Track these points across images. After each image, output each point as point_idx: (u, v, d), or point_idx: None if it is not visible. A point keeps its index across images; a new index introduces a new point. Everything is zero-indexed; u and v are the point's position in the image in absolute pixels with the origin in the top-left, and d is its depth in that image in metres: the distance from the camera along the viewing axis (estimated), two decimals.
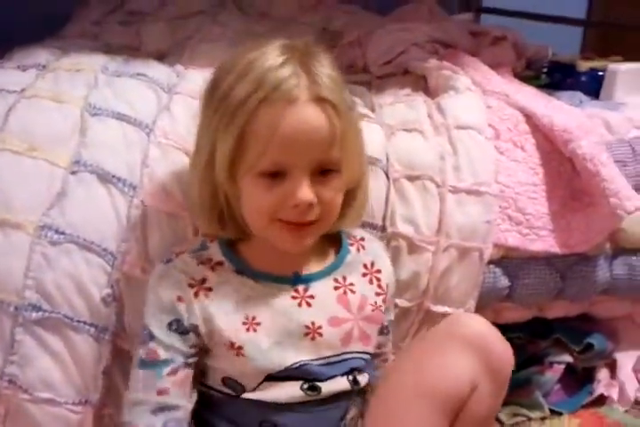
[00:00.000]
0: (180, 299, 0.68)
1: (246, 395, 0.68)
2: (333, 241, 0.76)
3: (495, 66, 1.12)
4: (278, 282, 0.71)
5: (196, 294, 0.68)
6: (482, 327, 0.72)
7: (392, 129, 0.92)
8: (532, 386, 1.00)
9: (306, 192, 0.64)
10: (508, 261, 0.91)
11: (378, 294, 0.75)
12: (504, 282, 0.92)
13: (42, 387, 0.71)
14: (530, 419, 0.97)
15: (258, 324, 0.68)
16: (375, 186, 0.86)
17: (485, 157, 0.91)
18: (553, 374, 1.01)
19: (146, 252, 0.77)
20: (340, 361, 0.71)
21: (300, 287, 0.71)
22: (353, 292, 0.73)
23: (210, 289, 0.69)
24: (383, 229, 0.86)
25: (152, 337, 0.68)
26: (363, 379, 0.73)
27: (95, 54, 0.92)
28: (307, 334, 0.69)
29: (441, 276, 0.87)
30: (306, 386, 0.69)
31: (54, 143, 0.77)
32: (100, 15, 1.20)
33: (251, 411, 0.68)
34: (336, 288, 0.73)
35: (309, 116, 0.64)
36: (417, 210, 0.87)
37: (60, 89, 0.83)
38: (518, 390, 0.99)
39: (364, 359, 0.73)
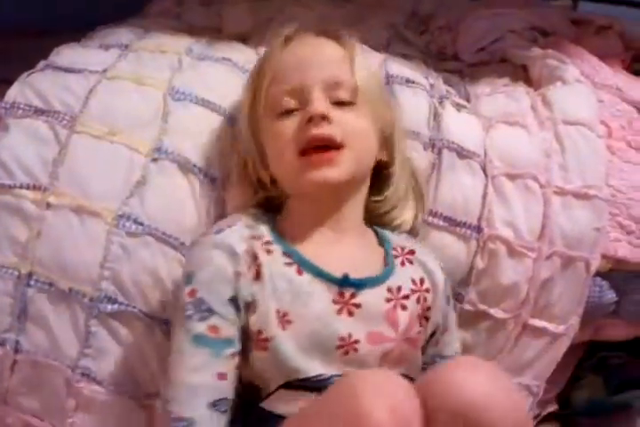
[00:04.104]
0: (238, 274, 0.62)
1: (262, 404, 0.59)
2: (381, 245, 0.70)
3: (601, 58, 1.02)
4: (324, 279, 0.63)
5: (249, 270, 0.62)
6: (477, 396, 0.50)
7: (490, 121, 0.85)
8: (632, 412, 0.91)
9: (318, 104, 0.64)
10: (617, 273, 0.83)
11: (420, 317, 0.67)
12: (611, 297, 0.84)
13: (112, 380, 0.69)
14: None
15: (289, 322, 0.61)
16: (470, 182, 0.80)
17: (596, 156, 0.83)
18: None
19: None
20: None
21: (347, 292, 0.63)
22: (404, 308, 0.65)
23: (259, 266, 0.62)
24: (479, 229, 0.78)
25: (212, 312, 0.61)
26: None
27: (178, 35, 0.88)
28: (340, 347, 0.61)
29: (542, 286, 0.79)
30: None
31: (135, 128, 0.74)
32: None
33: (265, 423, 0.59)
34: (388, 300, 0.64)
35: (312, 41, 0.69)
36: (517, 212, 0.79)
37: (142, 71, 0.79)
38: (615, 415, 0.90)
39: None
